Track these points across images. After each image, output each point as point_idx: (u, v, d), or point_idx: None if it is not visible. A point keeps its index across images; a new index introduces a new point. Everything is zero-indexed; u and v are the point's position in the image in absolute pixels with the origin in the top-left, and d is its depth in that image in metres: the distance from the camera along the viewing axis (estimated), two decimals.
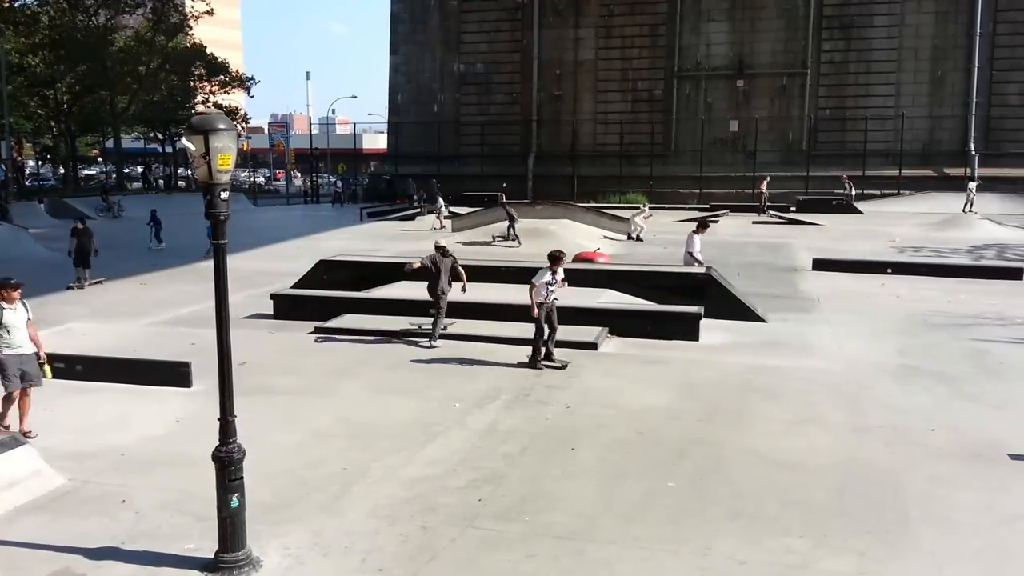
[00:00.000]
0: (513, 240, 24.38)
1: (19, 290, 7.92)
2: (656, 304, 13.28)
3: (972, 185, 34.35)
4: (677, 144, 43.50)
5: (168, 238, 25.72)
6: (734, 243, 24.53)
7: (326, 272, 15.53)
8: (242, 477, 5.49)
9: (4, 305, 7.80)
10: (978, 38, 39.19)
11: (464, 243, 24.10)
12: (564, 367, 10.47)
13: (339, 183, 52.99)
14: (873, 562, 5.58)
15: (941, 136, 40.53)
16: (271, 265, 20.39)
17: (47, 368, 8.02)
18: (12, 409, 8.04)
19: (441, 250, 11.81)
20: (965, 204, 33.36)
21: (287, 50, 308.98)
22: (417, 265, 11.81)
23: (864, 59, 40.90)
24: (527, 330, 12.01)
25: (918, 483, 6.90)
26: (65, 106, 51.11)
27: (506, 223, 24.91)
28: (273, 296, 14.28)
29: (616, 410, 8.86)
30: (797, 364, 10.77)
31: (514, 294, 13.56)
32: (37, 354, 8.02)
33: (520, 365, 10.53)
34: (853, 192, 37.42)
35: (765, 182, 36.35)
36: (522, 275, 14.92)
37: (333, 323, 12.73)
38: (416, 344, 11.74)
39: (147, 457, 7.49)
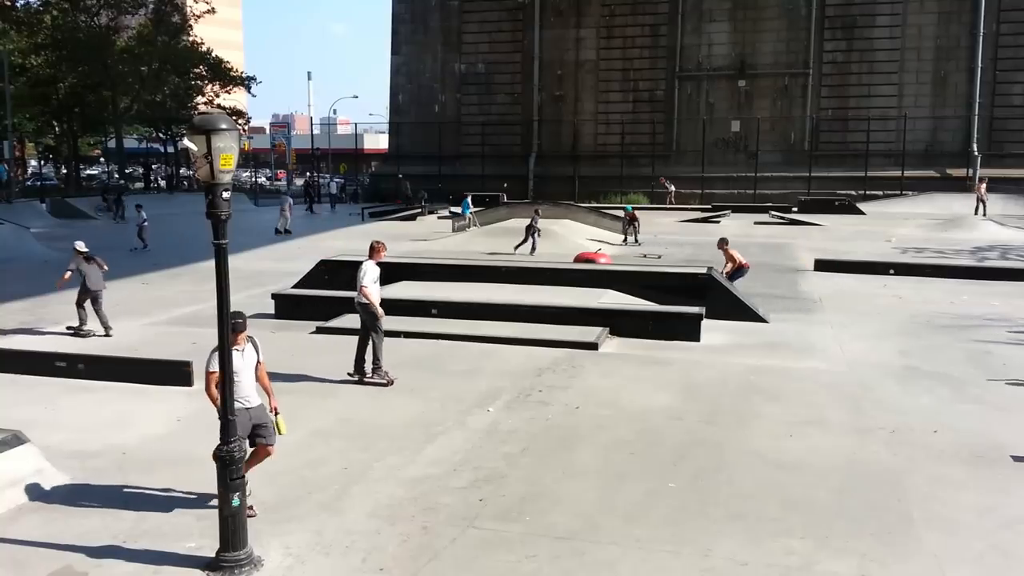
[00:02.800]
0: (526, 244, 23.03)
1: (246, 330, 6.29)
2: (657, 304, 13.28)
3: (983, 187, 34.00)
4: (678, 144, 43.50)
5: (169, 238, 25.74)
6: (736, 243, 24.45)
7: (327, 272, 15.53)
8: (243, 476, 5.50)
9: (233, 345, 5.96)
10: (981, 38, 39.16)
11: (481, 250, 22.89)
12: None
13: (333, 184, 50.25)
14: (874, 564, 5.57)
15: (944, 137, 40.50)
16: (272, 265, 20.41)
17: (281, 421, 6.34)
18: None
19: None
20: (977, 208, 32.70)
21: (288, 50, 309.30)
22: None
23: (866, 59, 40.88)
24: (529, 330, 12.02)
25: (920, 485, 6.89)
26: (67, 106, 51.17)
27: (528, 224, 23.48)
28: (274, 296, 14.29)
29: (617, 410, 8.85)
30: (799, 365, 10.76)
31: (514, 294, 13.58)
32: (270, 404, 6.41)
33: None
34: (673, 189, 38.96)
35: None
36: (523, 275, 15.00)
37: (334, 323, 12.73)
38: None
39: (149, 456, 7.49)
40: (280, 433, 6.36)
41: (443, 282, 14.70)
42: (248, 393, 6.20)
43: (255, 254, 22.76)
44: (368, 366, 9.83)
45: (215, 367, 5.86)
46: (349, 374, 9.89)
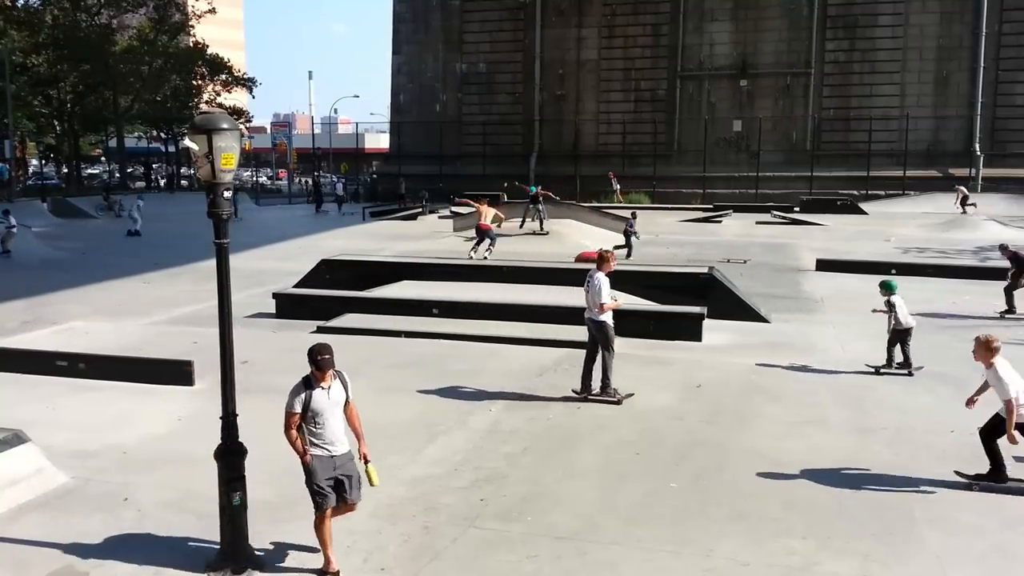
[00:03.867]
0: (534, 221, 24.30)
1: (333, 366, 5.40)
2: (659, 304, 13.26)
3: (962, 187, 34.38)
4: (680, 144, 43.45)
5: (169, 237, 25.74)
6: (737, 243, 24.50)
7: (328, 271, 15.53)
8: (244, 475, 5.49)
9: (314, 384, 5.37)
10: (983, 38, 39.09)
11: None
12: None
13: (339, 185, 47.72)
14: (876, 564, 5.56)
15: (946, 137, 40.44)
16: (273, 264, 20.41)
17: (372, 471, 5.46)
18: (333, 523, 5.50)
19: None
20: (956, 203, 33.10)
21: (289, 50, 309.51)
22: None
23: (868, 59, 40.82)
24: (531, 330, 12.00)
25: (922, 485, 6.87)
26: (68, 105, 51.21)
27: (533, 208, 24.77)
28: (275, 295, 14.29)
29: (618, 410, 8.84)
30: (800, 365, 10.75)
31: (516, 294, 13.57)
32: (359, 451, 5.54)
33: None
34: (618, 187, 38.81)
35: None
36: (524, 275, 14.98)
37: (335, 322, 12.73)
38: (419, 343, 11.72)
39: (149, 455, 7.48)
40: (372, 484, 5.48)
41: (444, 282, 14.70)
42: (334, 438, 5.39)
43: (256, 253, 22.76)
44: (596, 383, 9.09)
45: (297, 408, 5.31)
46: (574, 391, 9.15)
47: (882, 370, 10.42)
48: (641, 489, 6.81)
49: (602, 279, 8.99)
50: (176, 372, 9.62)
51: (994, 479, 6.83)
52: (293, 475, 6.98)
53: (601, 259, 9.20)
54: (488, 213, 21.19)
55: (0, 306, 15.15)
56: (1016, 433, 6.67)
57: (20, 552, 5.68)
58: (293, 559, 5.63)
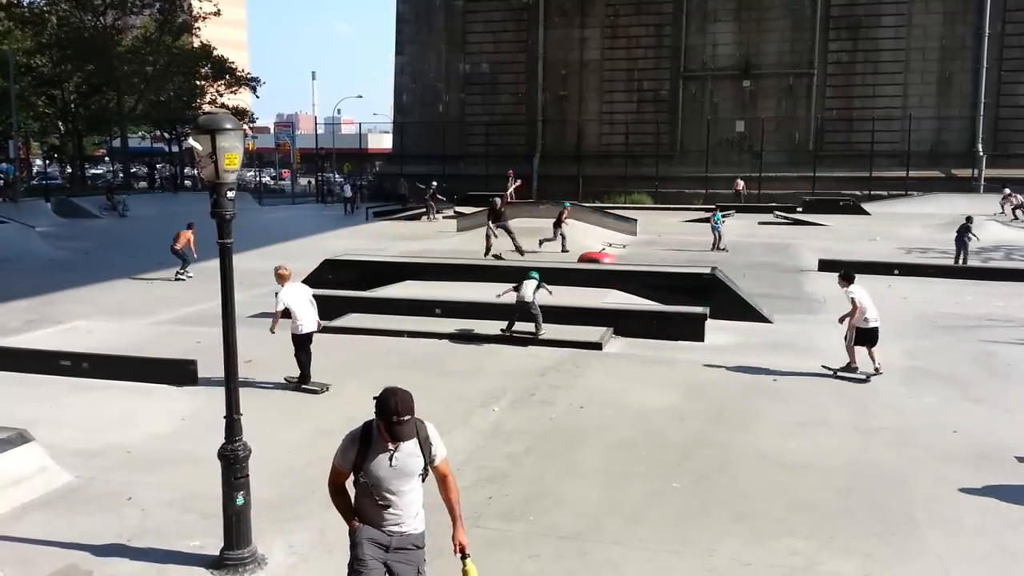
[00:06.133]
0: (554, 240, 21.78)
1: (410, 433, 3.87)
2: (661, 304, 13.27)
3: (1007, 190, 32.54)
4: (683, 144, 43.43)
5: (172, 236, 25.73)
6: (740, 243, 24.48)
7: (331, 271, 15.56)
8: (247, 475, 5.50)
9: (374, 442, 3.89)
10: (986, 39, 39.02)
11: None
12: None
13: (348, 188, 45.00)
14: (878, 564, 5.56)
15: (949, 137, 40.38)
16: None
17: (471, 567, 4.06)
18: None
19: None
20: (1006, 211, 31.28)
21: (293, 50, 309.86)
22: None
23: (871, 59, 40.76)
24: (532, 329, 12.01)
25: (924, 485, 6.87)
26: (72, 106, 51.31)
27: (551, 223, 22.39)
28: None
29: (621, 410, 8.85)
30: (803, 365, 10.74)
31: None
32: (455, 539, 4.14)
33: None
34: (511, 188, 36.13)
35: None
36: (523, 275, 14.96)
37: (338, 322, 12.74)
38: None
39: (153, 455, 7.50)
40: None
41: (446, 281, 14.72)
42: (396, 514, 3.93)
43: (258, 253, 22.78)
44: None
45: (344, 466, 3.96)
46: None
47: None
48: (643, 489, 6.82)
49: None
50: (179, 372, 9.65)
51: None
52: (295, 475, 7.01)
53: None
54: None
55: (4, 305, 15.19)
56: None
57: (24, 551, 5.69)
58: (295, 558, 5.64)
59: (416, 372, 10.30)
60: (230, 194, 5.33)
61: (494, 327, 12.20)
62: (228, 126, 5.21)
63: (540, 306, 11.76)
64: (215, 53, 53.83)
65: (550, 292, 11.94)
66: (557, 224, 22.37)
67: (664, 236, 26.52)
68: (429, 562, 4.27)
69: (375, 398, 3.81)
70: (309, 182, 59.86)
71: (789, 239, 26.06)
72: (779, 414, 8.72)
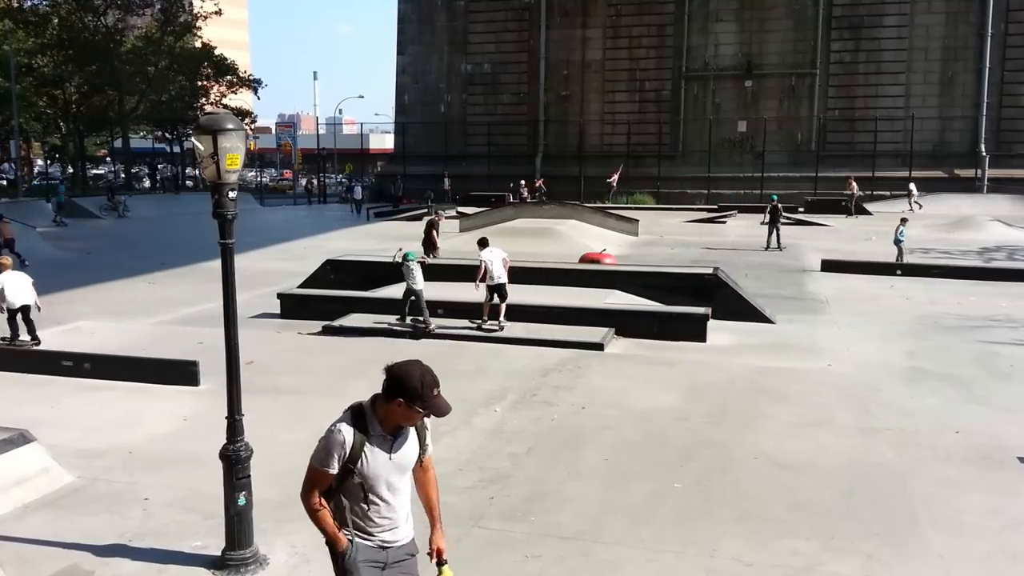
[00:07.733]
0: None
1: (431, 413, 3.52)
2: (663, 305, 13.26)
3: (912, 186, 35.64)
4: (685, 145, 43.43)
5: (174, 237, 25.79)
6: (741, 244, 24.46)
7: (333, 272, 15.56)
8: (249, 475, 5.50)
9: (371, 430, 3.46)
10: (989, 39, 39.00)
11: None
12: None
13: (359, 189, 42.91)
14: (880, 565, 5.55)
15: (951, 137, 40.35)
16: (278, 265, 20.45)
17: (447, 573, 3.62)
18: None
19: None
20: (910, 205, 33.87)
21: (294, 50, 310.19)
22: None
23: (873, 59, 40.76)
24: (535, 330, 12.01)
25: (926, 486, 6.86)
26: (73, 106, 51.37)
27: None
28: (280, 295, 14.31)
29: (623, 411, 8.84)
30: (805, 366, 10.73)
31: (520, 295, 13.56)
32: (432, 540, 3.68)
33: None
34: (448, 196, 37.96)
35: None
36: (529, 275, 14.96)
37: (340, 322, 12.75)
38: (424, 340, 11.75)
39: (155, 455, 7.51)
40: None
41: (449, 282, 14.71)
42: (392, 517, 3.43)
43: (260, 254, 22.81)
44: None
45: (332, 467, 3.36)
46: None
47: (395, 326, 12.17)
48: (645, 489, 6.81)
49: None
50: (181, 372, 9.64)
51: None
52: (297, 474, 6.99)
53: None
54: None
55: None
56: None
57: (26, 551, 5.70)
58: (297, 558, 5.64)
59: None
60: (232, 194, 5.33)
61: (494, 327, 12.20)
62: (230, 126, 5.21)
63: (542, 306, 11.75)
64: (216, 53, 53.90)
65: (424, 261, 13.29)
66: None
67: (666, 236, 26.50)
68: None
69: (388, 373, 3.30)
70: (310, 181, 59.89)
71: (791, 239, 26.03)
72: (781, 414, 8.71)
